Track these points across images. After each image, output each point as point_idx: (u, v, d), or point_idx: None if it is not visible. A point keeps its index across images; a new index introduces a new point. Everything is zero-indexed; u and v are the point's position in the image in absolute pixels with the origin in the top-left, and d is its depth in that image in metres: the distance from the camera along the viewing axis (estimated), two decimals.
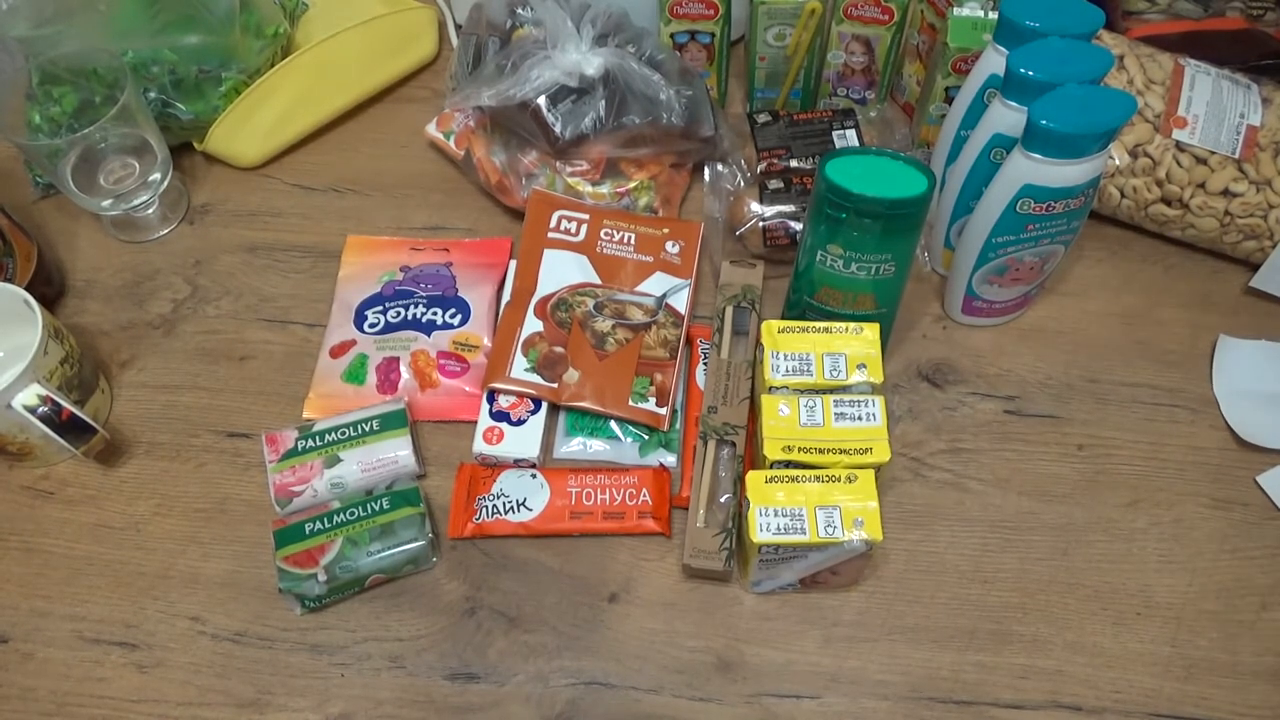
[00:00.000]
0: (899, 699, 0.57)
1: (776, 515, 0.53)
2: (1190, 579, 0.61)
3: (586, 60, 0.71)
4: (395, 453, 0.63)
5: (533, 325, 0.68)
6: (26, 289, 0.65)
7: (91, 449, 0.63)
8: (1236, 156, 0.68)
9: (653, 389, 0.66)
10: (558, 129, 0.70)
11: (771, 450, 0.56)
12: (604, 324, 0.68)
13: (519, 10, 0.75)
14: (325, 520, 0.60)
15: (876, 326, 0.59)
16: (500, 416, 0.65)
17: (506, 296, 0.71)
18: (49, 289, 0.74)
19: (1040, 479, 0.65)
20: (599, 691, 0.58)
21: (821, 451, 0.55)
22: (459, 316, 0.71)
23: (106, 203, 0.74)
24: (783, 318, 0.69)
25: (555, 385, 0.66)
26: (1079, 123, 0.54)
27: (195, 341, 0.73)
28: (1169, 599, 0.60)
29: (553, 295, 0.69)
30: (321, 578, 0.59)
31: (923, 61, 0.78)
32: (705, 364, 0.68)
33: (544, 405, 0.66)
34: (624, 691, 0.58)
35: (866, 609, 0.60)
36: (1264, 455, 0.65)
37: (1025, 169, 0.57)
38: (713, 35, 0.78)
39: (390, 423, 0.64)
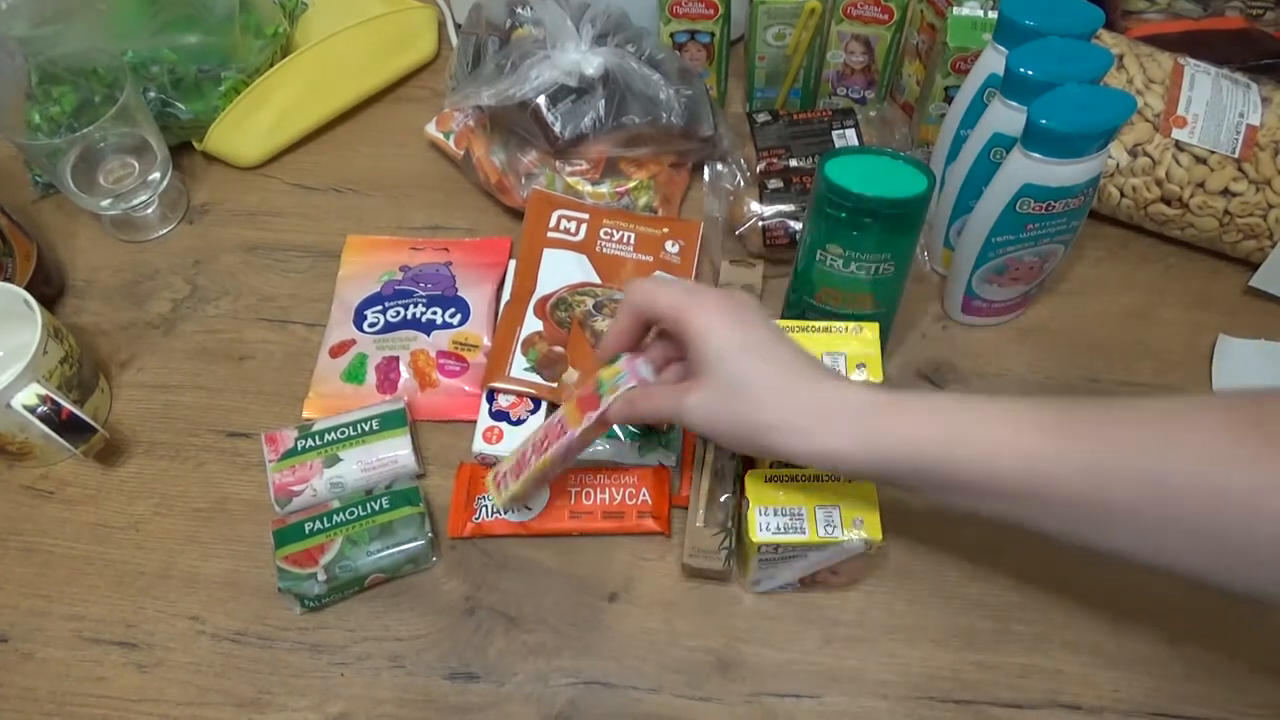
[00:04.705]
0: (899, 698, 0.57)
1: (776, 515, 0.53)
2: None
3: (586, 60, 0.71)
4: (395, 452, 0.63)
5: (532, 325, 0.68)
6: (26, 288, 0.65)
7: (91, 448, 0.63)
8: (1236, 156, 0.68)
9: None
10: (557, 128, 0.70)
11: None
12: (604, 323, 0.68)
13: (518, 10, 0.75)
14: (325, 520, 0.60)
15: (876, 326, 0.59)
16: (500, 416, 0.65)
17: (506, 296, 0.71)
18: (48, 288, 0.74)
19: None
20: (599, 691, 0.58)
21: None
22: (459, 316, 0.71)
23: (106, 202, 0.74)
24: (782, 317, 0.69)
25: (555, 385, 0.66)
26: (1078, 122, 0.54)
27: (195, 341, 0.73)
28: (1169, 598, 0.60)
29: (552, 295, 0.69)
30: (321, 577, 0.59)
31: (922, 61, 0.78)
32: None
33: (544, 405, 0.66)
34: (624, 691, 0.58)
35: (866, 608, 0.60)
36: None
37: (1025, 168, 0.57)
38: (712, 35, 0.78)
39: (390, 422, 0.64)
